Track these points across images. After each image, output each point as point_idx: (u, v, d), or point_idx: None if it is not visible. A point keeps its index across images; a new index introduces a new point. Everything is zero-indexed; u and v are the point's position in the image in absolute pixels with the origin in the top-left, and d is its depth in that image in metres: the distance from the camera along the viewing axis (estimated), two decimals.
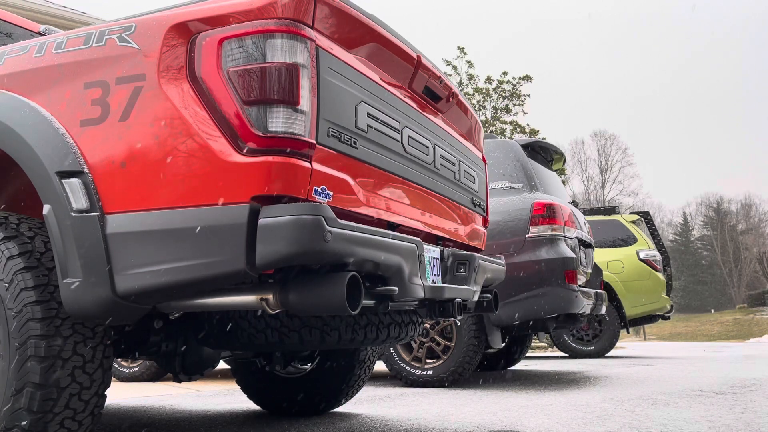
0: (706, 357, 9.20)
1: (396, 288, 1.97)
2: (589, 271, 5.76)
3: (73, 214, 1.80)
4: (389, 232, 1.99)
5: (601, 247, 9.02)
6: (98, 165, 1.84)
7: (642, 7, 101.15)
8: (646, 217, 10.37)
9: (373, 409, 3.66)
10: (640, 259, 9.26)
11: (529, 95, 20.93)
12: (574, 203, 6.07)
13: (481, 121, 5.88)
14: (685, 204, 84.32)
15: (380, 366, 5.22)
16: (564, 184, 9.56)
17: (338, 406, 3.48)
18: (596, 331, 8.92)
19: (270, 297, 1.76)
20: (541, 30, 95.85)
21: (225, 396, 4.53)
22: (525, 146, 5.51)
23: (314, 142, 1.75)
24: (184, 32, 1.82)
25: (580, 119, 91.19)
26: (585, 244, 5.57)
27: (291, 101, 1.70)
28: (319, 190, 1.75)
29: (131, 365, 5.69)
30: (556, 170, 6.32)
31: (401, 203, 2.23)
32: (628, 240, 9.53)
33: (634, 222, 9.77)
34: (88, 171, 1.84)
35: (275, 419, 3.30)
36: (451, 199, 2.67)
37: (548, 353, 11.65)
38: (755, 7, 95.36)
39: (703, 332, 32.38)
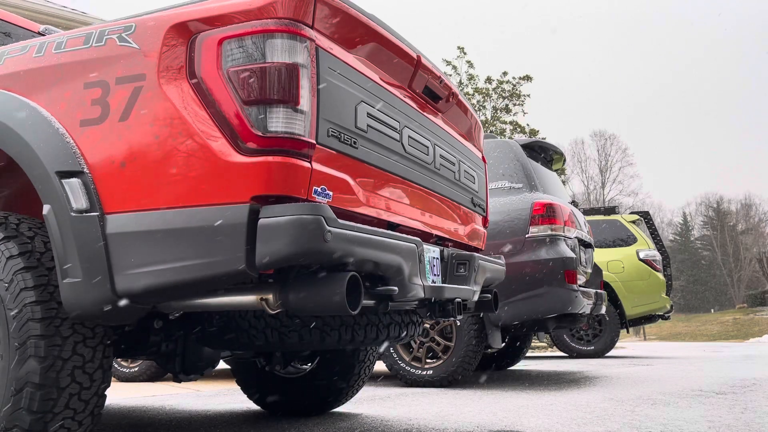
0: (706, 357, 9.20)
1: (396, 288, 1.97)
2: (589, 271, 5.75)
3: (73, 214, 1.80)
4: (389, 232, 1.99)
5: (601, 247, 9.02)
6: (98, 165, 1.84)
7: (642, 8, 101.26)
8: (646, 217, 10.37)
9: (373, 409, 3.65)
10: (640, 259, 9.27)
11: (529, 95, 20.95)
12: (574, 203, 6.06)
13: (481, 121, 5.88)
14: (685, 204, 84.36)
15: (380, 366, 5.22)
16: (564, 184, 9.55)
17: (338, 406, 3.48)
18: (596, 331, 8.92)
19: (270, 297, 1.76)
20: (542, 30, 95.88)
21: (225, 396, 4.53)
22: (525, 146, 5.51)
23: (314, 142, 1.75)
24: (184, 32, 1.82)
25: (580, 119, 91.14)
26: (585, 244, 5.57)
27: (291, 101, 1.70)
28: (319, 190, 1.75)
29: (131, 365, 5.68)
30: (556, 170, 6.32)
31: (401, 203, 2.23)
32: (628, 240, 9.53)
33: (634, 222, 9.77)
34: (87, 171, 1.84)
35: (275, 419, 3.30)
36: (451, 199, 2.67)
37: (548, 353, 11.64)
38: (755, 7, 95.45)
39: (703, 332, 32.36)
